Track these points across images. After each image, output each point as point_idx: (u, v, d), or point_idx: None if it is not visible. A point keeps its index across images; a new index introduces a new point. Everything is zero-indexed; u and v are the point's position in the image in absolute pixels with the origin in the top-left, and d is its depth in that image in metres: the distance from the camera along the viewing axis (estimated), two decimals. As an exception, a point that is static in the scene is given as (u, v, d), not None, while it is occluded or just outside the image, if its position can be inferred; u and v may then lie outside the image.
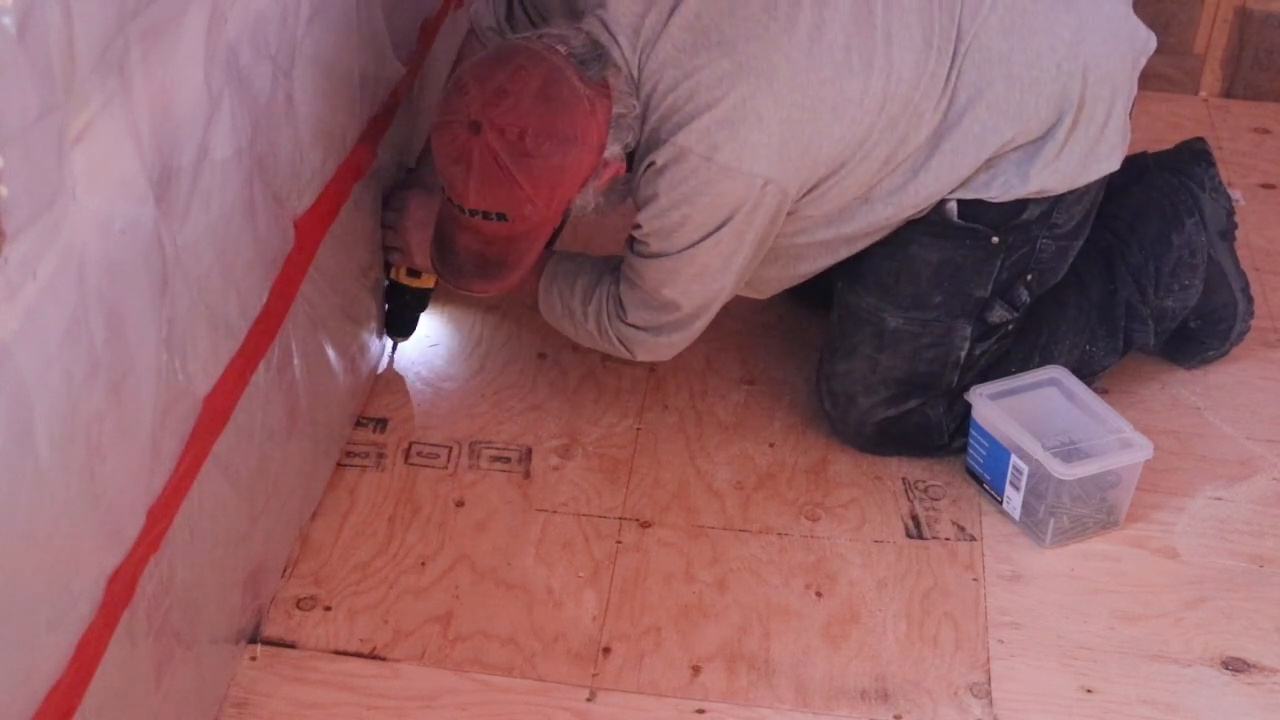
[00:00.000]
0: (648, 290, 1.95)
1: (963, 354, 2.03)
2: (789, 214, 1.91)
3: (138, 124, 1.29)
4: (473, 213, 1.82)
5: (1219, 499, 2.05)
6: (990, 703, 1.77)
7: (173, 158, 1.37)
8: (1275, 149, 2.78)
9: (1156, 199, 2.15)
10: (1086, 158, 1.94)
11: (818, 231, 1.96)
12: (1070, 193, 1.97)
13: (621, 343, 2.01)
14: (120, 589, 1.35)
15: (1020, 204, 1.95)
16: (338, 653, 1.80)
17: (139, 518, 1.39)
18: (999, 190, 1.93)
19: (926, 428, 2.07)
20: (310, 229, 1.79)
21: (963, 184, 1.93)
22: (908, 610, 1.88)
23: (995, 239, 1.97)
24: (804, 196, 1.90)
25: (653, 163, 1.84)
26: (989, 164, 1.92)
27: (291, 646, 1.80)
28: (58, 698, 1.25)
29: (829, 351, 2.09)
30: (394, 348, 2.25)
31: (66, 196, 1.17)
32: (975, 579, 1.93)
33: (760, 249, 1.92)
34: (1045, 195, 1.95)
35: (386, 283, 2.17)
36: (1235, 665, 1.82)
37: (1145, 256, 2.13)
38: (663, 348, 2.02)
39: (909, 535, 1.99)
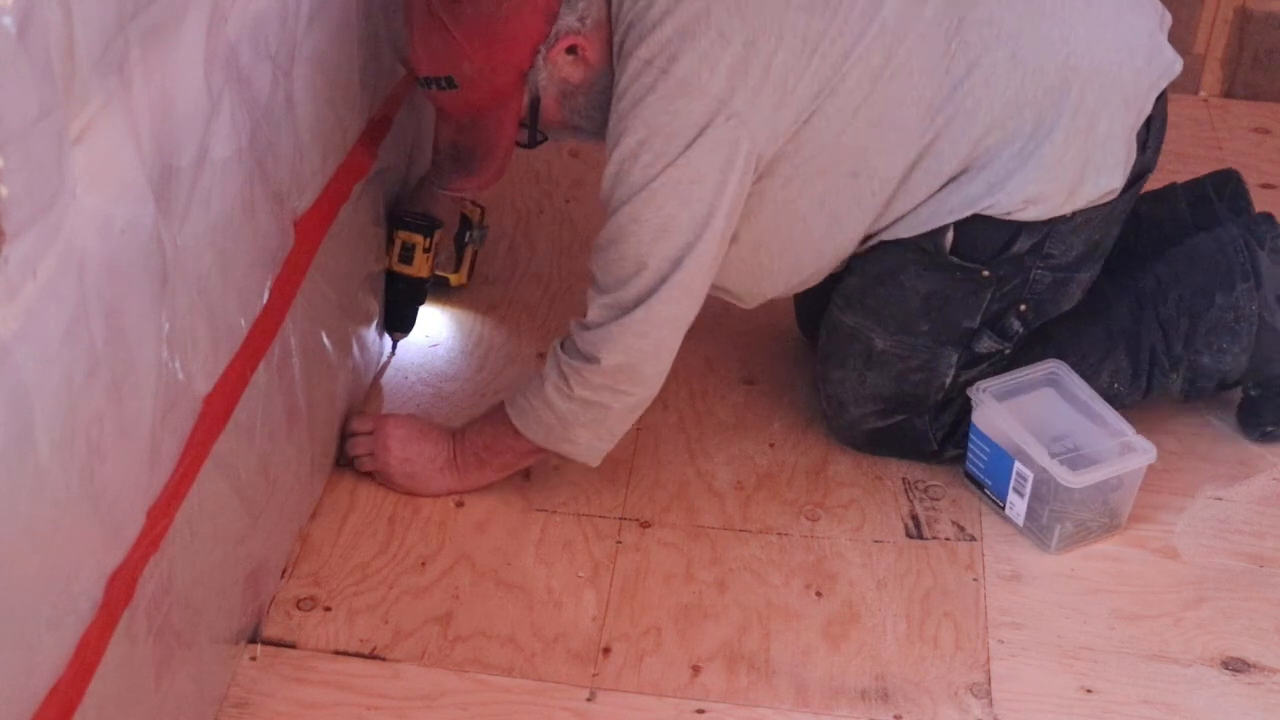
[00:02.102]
0: (611, 256, 1.81)
1: (948, 380, 2.01)
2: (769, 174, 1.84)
3: (138, 124, 1.29)
4: (425, 82, 1.86)
5: (1219, 499, 2.05)
6: (990, 703, 1.77)
7: (173, 158, 1.37)
8: (1275, 149, 2.78)
9: (1212, 252, 2.05)
10: (1084, 167, 1.87)
11: (804, 205, 1.88)
12: (1064, 221, 1.91)
13: (586, 357, 1.84)
14: (120, 589, 1.35)
15: (1012, 234, 1.90)
16: (338, 653, 1.80)
17: (139, 518, 1.39)
18: (996, 201, 1.87)
19: (915, 437, 2.07)
20: (310, 229, 1.79)
21: (956, 185, 1.88)
22: (908, 610, 1.88)
23: (986, 272, 1.93)
24: (782, 148, 1.83)
25: (621, 93, 1.79)
26: (981, 165, 1.86)
27: (291, 646, 1.80)
28: (58, 697, 1.25)
29: (823, 358, 2.08)
30: (394, 346, 2.25)
31: (66, 196, 1.17)
32: (975, 579, 1.93)
33: (730, 217, 1.83)
34: (1039, 219, 1.89)
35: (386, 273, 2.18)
36: (1235, 665, 1.82)
37: (1180, 310, 2.04)
38: (631, 340, 1.82)
39: (909, 535, 1.99)
